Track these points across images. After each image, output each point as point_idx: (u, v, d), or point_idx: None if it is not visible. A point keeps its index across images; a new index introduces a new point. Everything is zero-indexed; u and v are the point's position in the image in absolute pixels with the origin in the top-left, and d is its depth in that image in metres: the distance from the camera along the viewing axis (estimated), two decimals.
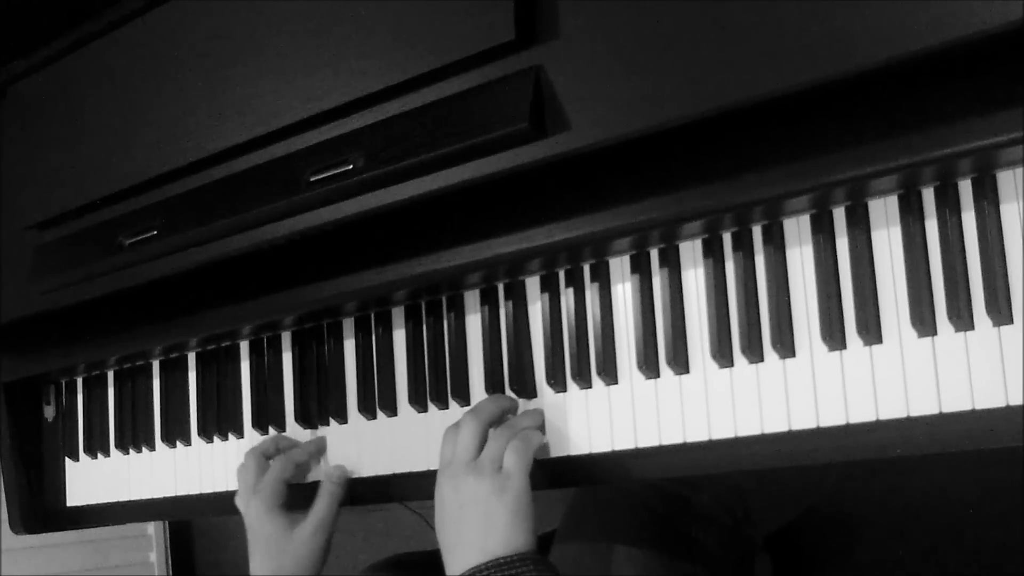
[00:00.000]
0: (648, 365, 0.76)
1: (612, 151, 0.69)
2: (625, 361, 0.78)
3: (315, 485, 0.92)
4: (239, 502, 0.93)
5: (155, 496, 1.10)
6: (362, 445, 0.93)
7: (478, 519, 0.73)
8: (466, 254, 0.78)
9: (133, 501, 1.12)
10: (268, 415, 1.00)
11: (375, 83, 0.78)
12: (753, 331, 0.72)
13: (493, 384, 0.84)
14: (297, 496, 0.92)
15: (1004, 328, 0.63)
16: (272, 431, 1.00)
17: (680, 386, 0.75)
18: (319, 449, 0.95)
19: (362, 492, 0.92)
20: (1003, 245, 0.63)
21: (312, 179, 0.80)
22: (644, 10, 0.66)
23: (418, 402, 0.89)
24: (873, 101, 0.61)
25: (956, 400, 0.64)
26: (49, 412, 1.20)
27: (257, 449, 0.93)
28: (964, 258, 0.65)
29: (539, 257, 0.78)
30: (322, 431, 0.96)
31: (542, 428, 0.81)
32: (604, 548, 0.87)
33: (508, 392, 0.84)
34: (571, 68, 0.69)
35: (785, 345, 0.71)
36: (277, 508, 0.89)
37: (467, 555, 0.73)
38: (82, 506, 1.17)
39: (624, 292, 0.79)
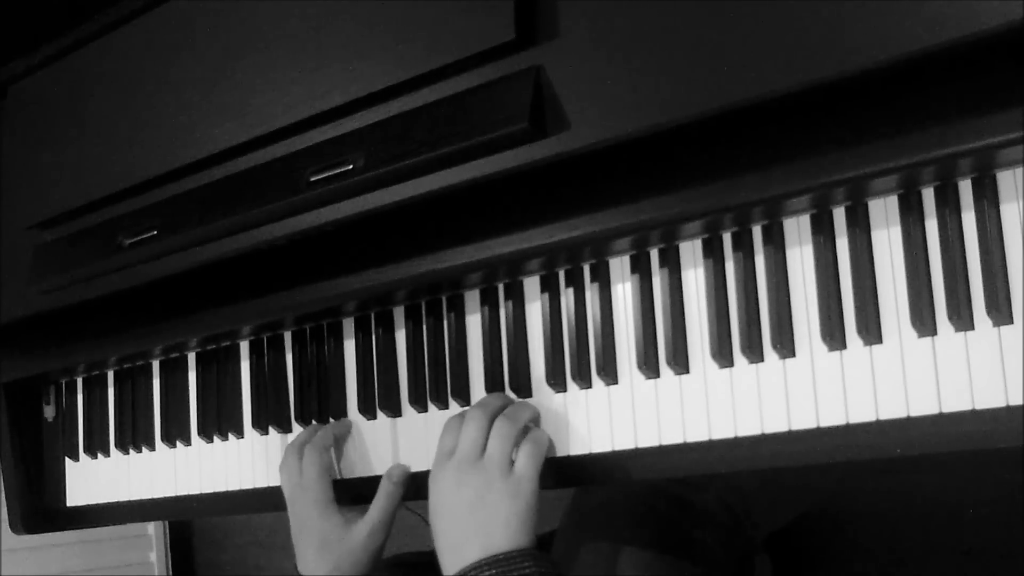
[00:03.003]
0: (648, 365, 0.76)
1: (612, 151, 0.69)
2: (625, 361, 0.78)
3: (367, 481, 0.90)
4: (287, 499, 0.90)
5: (155, 496, 1.10)
6: (362, 445, 0.93)
7: (485, 519, 0.73)
8: (466, 254, 0.78)
9: (133, 501, 1.12)
10: (268, 415, 1.00)
11: (375, 83, 0.78)
12: (753, 331, 0.72)
13: (493, 384, 0.84)
14: (344, 492, 0.90)
15: (1004, 328, 0.63)
16: (272, 431, 1.00)
17: (680, 386, 0.75)
18: (345, 430, 0.92)
19: (362, 492, 0.92)
20: (1003, 245, 0.63)
21: (312, 179, 0.80)
22: (644, 10, 0.66)
23: (418, 402, 0.89)
24: (873, 101, 0.61)
25: (956, 400, 0.64)
26: (49, 412, 1.20)
27: (295, 443, 0.91)
28: (964, 258, 0.65)
29: (539, 257, 0.78)
30: None
31: (537, 419, 0.81)
32: (604, 548, 0.87)
33: (508, 392, 0.84)
34: (571, 68, 0.69)
35: (785, 345, 0.71)
36: (328, 503, 0.87)
37: (468, 551, 0.73)
38: (82, 506, 1.17)
39: (624, 292, 0.79)
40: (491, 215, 0.76)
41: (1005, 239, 0.63)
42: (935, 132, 0.59)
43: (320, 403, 0.96)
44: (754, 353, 0.72)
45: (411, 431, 0.90)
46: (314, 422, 0.96)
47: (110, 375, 1.15)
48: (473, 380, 0.86)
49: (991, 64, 0.57)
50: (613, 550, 0.87)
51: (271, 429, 1.00)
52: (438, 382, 0.88)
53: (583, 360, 0.80)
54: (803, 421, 0.70)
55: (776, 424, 0.70)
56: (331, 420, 0.95)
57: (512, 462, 0.76)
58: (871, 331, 0.67)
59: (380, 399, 0.92)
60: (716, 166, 0.67)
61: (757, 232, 0.73)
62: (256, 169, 0.87)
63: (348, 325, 0.95)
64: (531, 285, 0.84)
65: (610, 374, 0.78)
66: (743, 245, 0.73)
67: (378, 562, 0.89)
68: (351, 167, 0.78)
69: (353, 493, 0.92)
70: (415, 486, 0.89)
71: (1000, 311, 0.63)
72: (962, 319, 0.64)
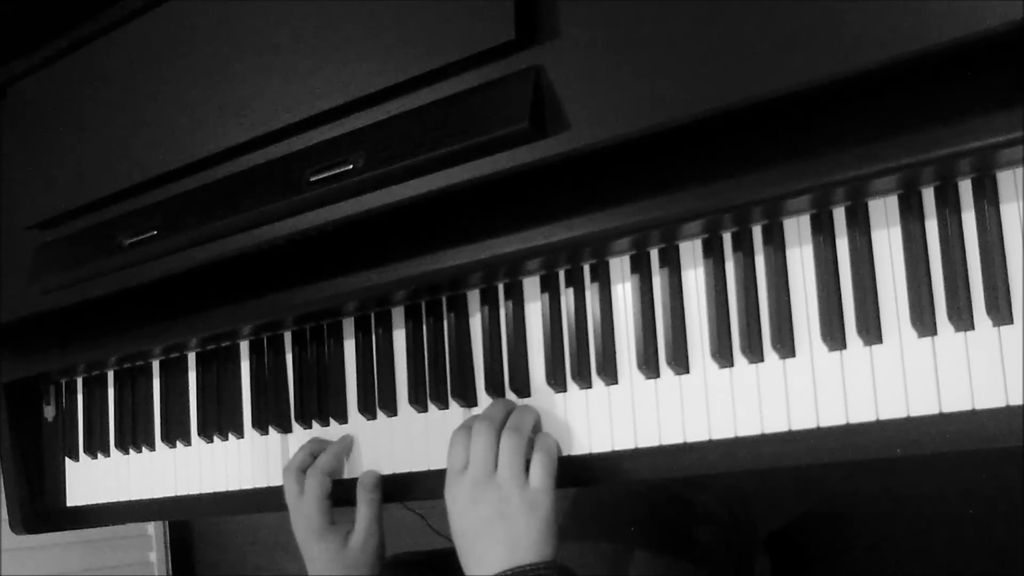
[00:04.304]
0: (648, 365, 0.76)
1: (612, 151, 0.69)
2: (625, 361, 0.78)
3: (349, 481, 0.91)
4: (291, 520, 0.92)
5: (155, 496, 1.10)
6: (362, 445, 0.93)
7: (506, 534, 0.74)
8: (466, 254, 0.78)
9: (133, 501, 1.12)
10: (268, 415, 1.00)
11: (375, 83, 0.78)
12: (753, 331, 0.72)
13: (493, 384, 0.84)
14: (345, 492, 0.91)
15: (1004, 328, 0.63)
16: (272, 431, 1.00)
17: (680, 386, 0.75)
18: (346, 448, 0.93)
19: None
20: (1003, 245, 0.63)
21: (312, 179, 0.80)
22: (644, 10, 0.66)
23: (418, 402, 0.89)
24: (873, 101, 0.61)
25: (956, 400, 0.64)
26: (49, 412, 1.20)
27: (292, 466, 0.91)
28: (964, 258, 0.65)
29: (539, 257, 0.78)
30: (322, 431, 0.96)
31: (539, 422, 0.81)
32: (605, 548, 0.87)
33: (508, 392, 0.84)
34: (571, 68, 0.69)
35: (785, 345, 0.71)
36: (323, 529, 0.89)
37: (492, 564, 0.73)
38: (82, 506, 1.17)
39: (624, 292, 0.79)
40: (491, 215, 0.76)
41: (1005, 239, 0.63)
42: (935, 132, 0.59)
43: (320, 403, 0.96)
44: (754, 353, 0.72)
45: (411, 431, 0.90)
46: (314, 423, 0.96)
47: (110, 375, 1.15)
48: (473, 380, 0.86)
49: (991, 64, 0.57)
50: (613, 550, 0.87)
51: (271, 429, 1.00)
52: (438, 382, 0.88)
53: (583, 360, 0.80)
54: (803, 421, 0.70)
55: (776, 424, 0.70)
56: (331, 420, 0.95)
57: (526, 472, 0.76)
58: (871, 331, 0.67)
59: (380, 399, 0.91)
60: (716, 166, 0.67)
61: (757, 232, 0.73)
62: (256, 169, 0.87)
63: (348, 325, 0.95)
64: (531, 285, 0.84)
65: (610, 374, 0.78)
66: (743, 245, 0.73)
67: (381, 558, 0.90)
68: (351, 167, 0.78)
69: (353, 495, 0.92)
70: (422, 487, 0.89)
71: (1000, 311, 0.63)
72: (962, 319, 0.64)
